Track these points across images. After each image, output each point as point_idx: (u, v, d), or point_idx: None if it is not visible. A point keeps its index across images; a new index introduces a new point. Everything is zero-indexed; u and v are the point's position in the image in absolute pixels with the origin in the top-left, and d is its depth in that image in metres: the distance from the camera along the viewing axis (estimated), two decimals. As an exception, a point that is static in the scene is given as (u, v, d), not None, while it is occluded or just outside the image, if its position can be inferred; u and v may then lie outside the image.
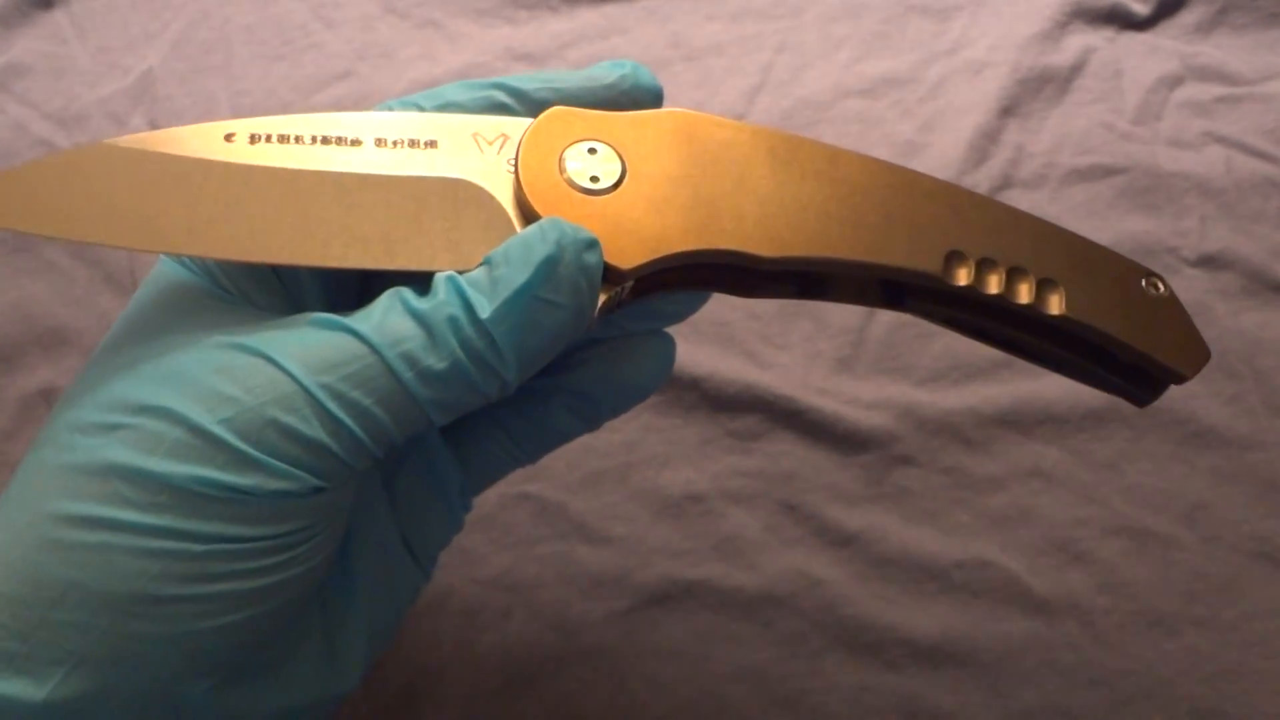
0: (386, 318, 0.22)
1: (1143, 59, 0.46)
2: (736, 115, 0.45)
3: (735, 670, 0.33)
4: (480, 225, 0.23)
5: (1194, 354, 0.25)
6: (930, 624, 0.33)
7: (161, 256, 0.25)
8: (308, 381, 0.21)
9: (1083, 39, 0.47)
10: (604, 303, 0.23)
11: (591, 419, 0.27)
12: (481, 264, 0.22)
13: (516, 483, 0.36)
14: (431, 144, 0.24)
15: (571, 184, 0.23)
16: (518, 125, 0.24)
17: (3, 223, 0.22)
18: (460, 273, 0.22)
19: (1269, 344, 0.39)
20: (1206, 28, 0.48)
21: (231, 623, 0.21)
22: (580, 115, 0.24)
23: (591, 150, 0.24)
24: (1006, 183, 0.43)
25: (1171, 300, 0.25)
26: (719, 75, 0.46)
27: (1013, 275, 0.24)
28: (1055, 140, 0.44)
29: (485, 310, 0.22)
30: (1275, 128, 0.44)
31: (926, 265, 0.24)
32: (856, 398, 0.37)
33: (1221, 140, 0.44)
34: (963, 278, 0.24)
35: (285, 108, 0.45)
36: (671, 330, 0.27)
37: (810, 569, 0.34)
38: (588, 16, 0.48)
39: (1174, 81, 0.46)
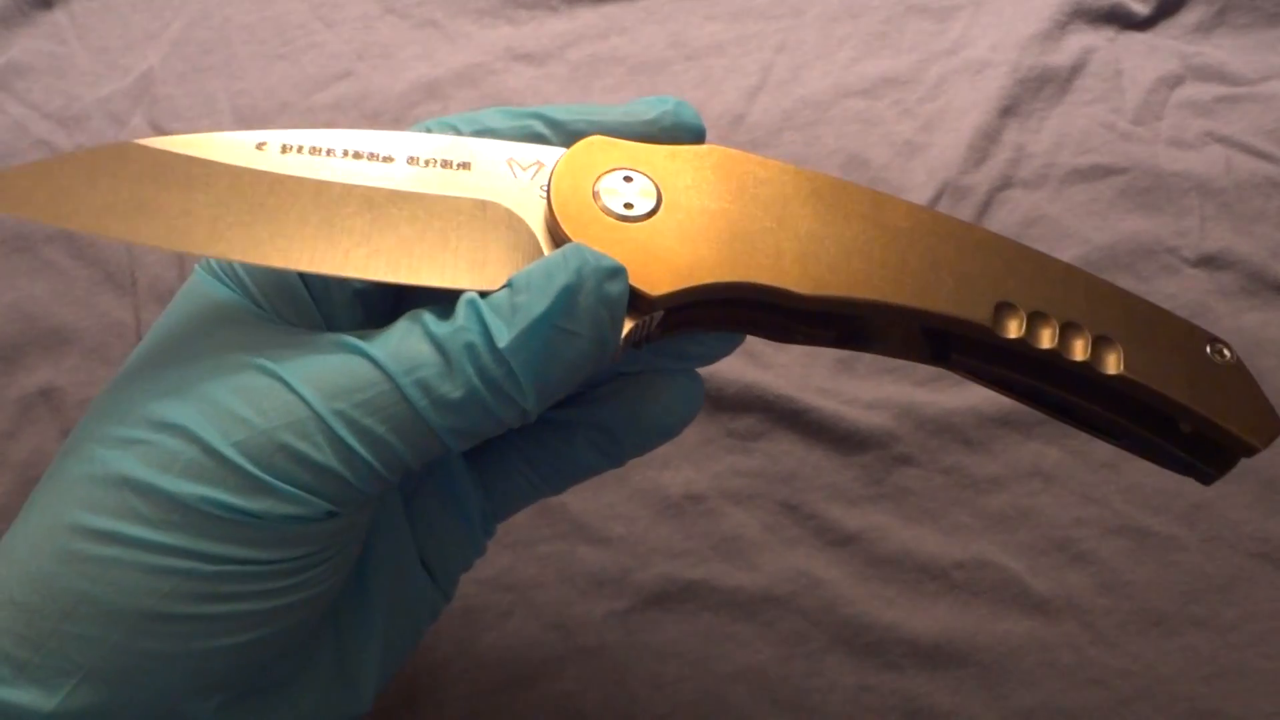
0: (404, 342, 0.21)
1: (1143, 59, 0.46)
2: (736, 115, 0.45)
3: (735, 670, 0.33)
4: (508, 247, 0.23)
5: (1265, 423, 0.23)
6: (930, 624, 0.33)
7: (198, 270, 0.25)
8: (321, 407, 0.21)
9: (1083, 39, 0.47)
10: (629, 332, 0.22)
11: (614, 455, 0.26)
12: (505, 286, 0.22)
13: (516, 483, 0.36)
14: (465, 165, 0.24)
15: (605, 210, 0.23)
16: (553, 154, 0.24)
17: (32, 214, 0.22)
18: (483, 294, 0.22)
19: (1269, 344, 0.39)
20: (1206, 28, 0.48)
21: (241, 643, 0.21)
22: (617, 145, 0.24)
23: (628, 179, 0.24)
24: (1006, 183, 0.43)
25: (1238, 367, 0.24)
26: (719, 75, 0.46)
27: (1067, 330, 0.23)
28: (1055, 140, 0.44)
29: (504, 338, 0.21)
30: (1275, 128, 0.44)
31: (975, 315, 0.23)
32: (856, 398, 0.37)
33: (1222, 140, 0.44)
34: (1014, 330, 0.23)
35: (285, 107, 0.45)
36: None
37: (810, 569, 0.34)
38: (588, 16, 0.48)
39: (1174, 81, 0.46)
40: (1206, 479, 0.24)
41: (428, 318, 0.22)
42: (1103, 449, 0.36)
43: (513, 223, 0.23)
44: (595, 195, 0.23)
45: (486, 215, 0.23)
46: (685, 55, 0.47)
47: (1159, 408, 0.23)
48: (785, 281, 0.23)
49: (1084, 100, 0.45)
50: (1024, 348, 0.23)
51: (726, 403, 0.37)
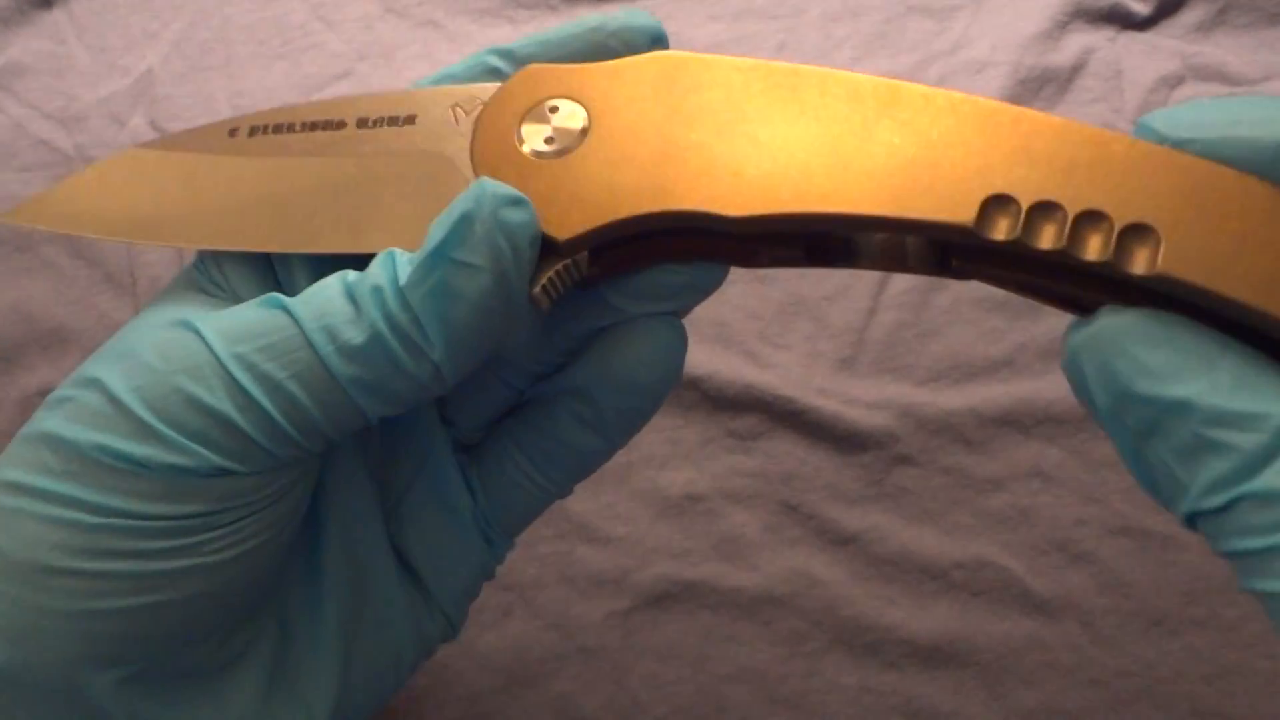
0: (320, 292, 0.21)
1: (1143, 59, 0.46)
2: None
3: (735, 670, 0.33)
4: (445, 199, 0.22)
5: None
6: (930, 624, 0.33)
7: (186, 267, 0.25)
8: (222, 351, 0.20)
9: (1083, 39, 0.47)
10: (553, 278, 0.21)
11: (598, 427, 0.24)
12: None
13: (516, 483, 0.36)
14: (410, 119, 0.23)
15: (525, 148, 0.22)
16: (492, 91, 0.23)
17: (58, 227, 0.25)
18: None
19: (1269, 344, 0.39)
20: (1207, 27, 0.48)
21: (128, 608, 0.20)
22: (552, 71, 0.22)
23: (554, 109, 0.22)
24: (1006, 183, 0.43)
25: None
26: (719, 75, 0.46)
27: (1081, 222, 0.18)
28: (1055, 140, 0.44)
29: (404, 275, 0.20)
30: (1275, 128, 0.44)
31: (953, 216, 0.19)
32: (856, 398, 0.37)
33: (1222, 140, 0.44)
34: (1004, 230, 0.19)
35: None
36: None
37: (810, 569, 0.34)
38: (587, 16, 0.48)
39: (1174, 81, 0.46)
40: None
41: (350, 272, 0.21)
42: (1103, 448, 0.36)
43: (451, 175, 0.23)
44: (519, 134, 0.22)
45: (426, 171, 0.23)
46: (685, 55, 0.47)
47: (1224, 312, 0.18)
48: (713, 205, 0.20)
49: (1084, 100, 0.45)
50: (1020, 249, 0.19)
51: (726, 403, 0.37)
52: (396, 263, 0.20)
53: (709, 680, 0.33)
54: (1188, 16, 0.48)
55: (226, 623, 0.22)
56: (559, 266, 0.21)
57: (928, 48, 0.47)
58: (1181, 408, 0.17)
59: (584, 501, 0.35)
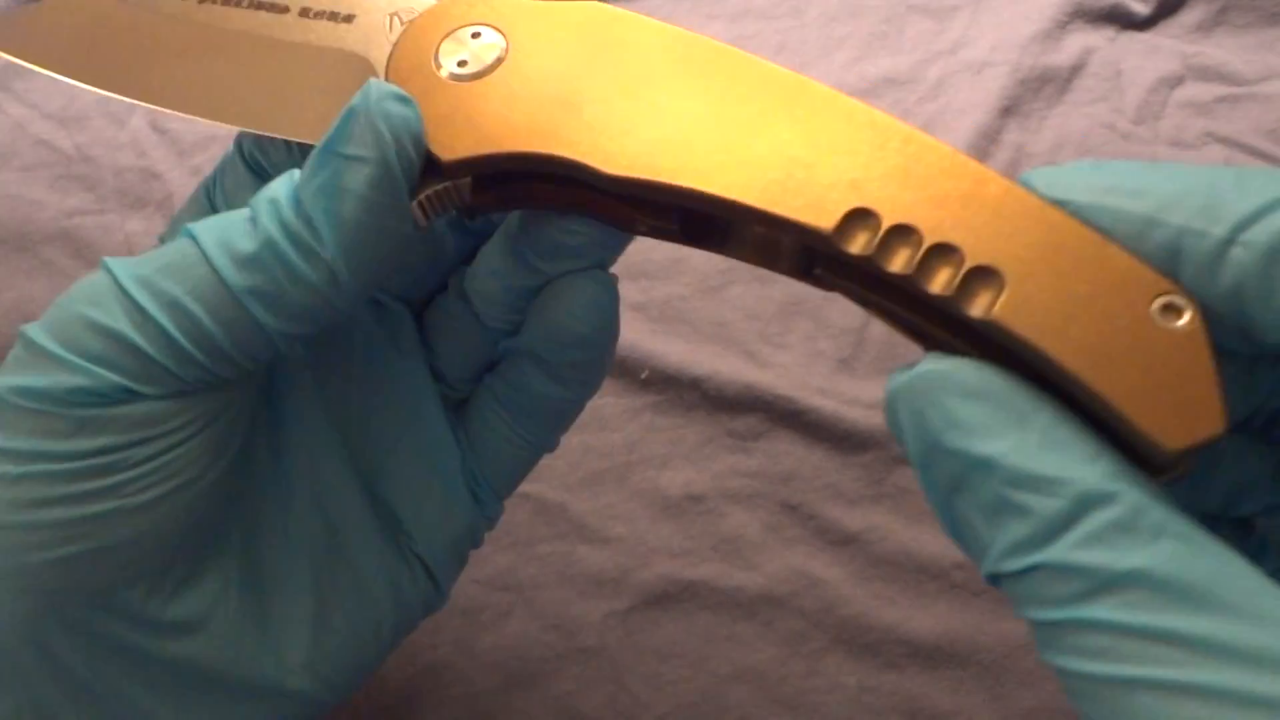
0: (225, 215, 0.21)
1: (1143, 59, 0.46)
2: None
3: (735, 670, 0.33)
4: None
5: (1194, 418, 0.17)
6: (930, 624, 0.33)
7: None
8: (121, 274, 0.20)
9: (1083, 39, 0.47)
10: (433, 194, 0.21)
11: (560, 379, 0.24)
12: None
13: (516, 483, 0.36)
14: (349, 18, 0.24)
15: (437, 67, 0.22)
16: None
17: (9, 50, 0.26)
18: None
19: (1269, 344, 0.39)
20: (1207, 27, 0.48)
21: (64, 557, 0.20)
22: (486, 0, 0.23)
23: (476, 35, 0.22)
24: (1006, 183, 0.43)
25: (1191, 336, 0.17)
26: (719, 75, 0.46)
27: (934, 253, 0.18)
28: (1055, 140, 0.44)
29: (297, 178, 0.20)
30: (1275, 128, 0.44)
31: (814, 220, 0.19)
32: (856, 398, 0.37)
33: (1222, 140, 0.44)
34: (859, 244, 0.19)
35: (285, 108, 0.45)
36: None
37: (810, 569, 0.34)
38: None
39: (1174, 81, 0.46)
40: None
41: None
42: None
43: (366, 76, 0.23)
44: (437, 52, 0.22)
45: (345, 69, 0.23)
46: (685, 55, 0.47)
47: (1045, 374, 0.18)
48: (592, 158, 0.20)
49: (1084, 100, 0.45)
50: (870, 267, 0.19)
51: (726, 403, 0.37)
52: (294, 176, 0.21)
53: (709, 680, 0.33)
54: (1188, 16, 0.48)
55: (175, 567, 0.22)
56: (440, 187, 0.21)
57: (928, 48, 0.47)
58: (986, 465, 0.17)
59: (584, 501, 0.35)
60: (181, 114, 0.24)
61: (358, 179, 0.20)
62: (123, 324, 0.20)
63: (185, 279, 0.20)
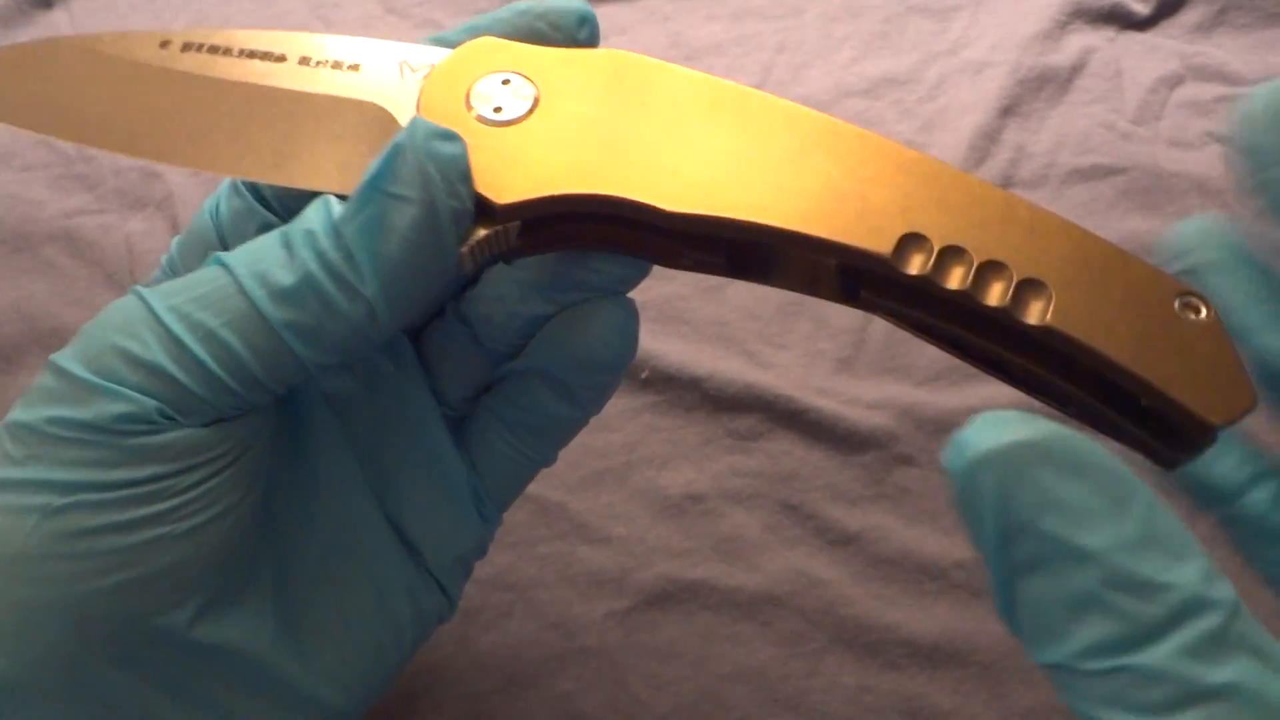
0: (257, 243, 0.21)
1: (1143, 59, 0.46)
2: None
3: (735, 670, 0.33)
4: (377, 149, 0.22)
5: (1232, 397, 0.19)
6: (930, 624, 0.33)
7: (154, 274, 0.26)
8: (156, 305, 0.20)
9: (1083, 39, 0.47)
10: (483, 240, 0.21)
11: (570, 400, 0.25)
12: None
13: (516, 483, 0.36)
14: (354, 67, 0.23)
15: (473, 113, 0.22)
16: (440, 54, 0.23)
17: None
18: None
19: (1269, 344, 0.39)
20: (1207, 27, 0.48)
21: (113, 585, 0.20)
22: (506, 47, 0.23)
23: (505, 81, 0.22)
24: (1006, 182, 0.43)
25: (1212, 327, 0.20)
26: (719, 75, 0.46)
27: (985, 270, 0.20)
28: (1055, 140, 0.44)
29: (337, 211, 0.20)
30: (1275, 128, 0.44)
31: (873, 245, 0.20)
32: (856, 398, 0.37)
33: (1222, 140, 0.44)
34: (917, 265, 0.20)
35: (285, 108, 0.45)
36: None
37: (810, 569, 0.34)
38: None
39: (1174, 81, 0.46)
40: (1167, 463, 0.20)
41: (289, 225, 0.21)
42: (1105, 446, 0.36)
43: (385, 124, 0.23)
44: (467, 97, 0.22)
45: (361, 117, 0.23)
46: (685, 55, 0.47)
47: (1098, 369, 0.19)
48: (651, 197, 0.21)
49: (1084, 100, 0.45)
50: (929, 286, 0.20)
51: (726, 403, 0.37)
52: (330, 207, 0.20)
53: (709, 680, 0.33)
54: (1188, 16, 0.48)
55: (214, 592, 0.22)
56: (491, 231, 0.21)
57: (928, 48, 0.47)
58: (1083, 556, 0.16)
59: (584, 501, 0.35)
60: (181, 167, 0.24)
61: (403, 219, 0.20)
62: (159, 356, 0.20)
63: (221, 311, 0.20)
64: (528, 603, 0.34)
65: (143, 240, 0.41)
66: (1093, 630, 0.16)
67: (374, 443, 0.25)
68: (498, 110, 0.22)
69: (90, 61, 0.24)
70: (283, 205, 0.24)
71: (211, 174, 0.24)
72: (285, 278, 0.20)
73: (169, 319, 0.20)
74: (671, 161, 0.21)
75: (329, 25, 0.48)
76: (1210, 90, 0.46)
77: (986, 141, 0.44)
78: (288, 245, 0.20)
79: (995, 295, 0.20)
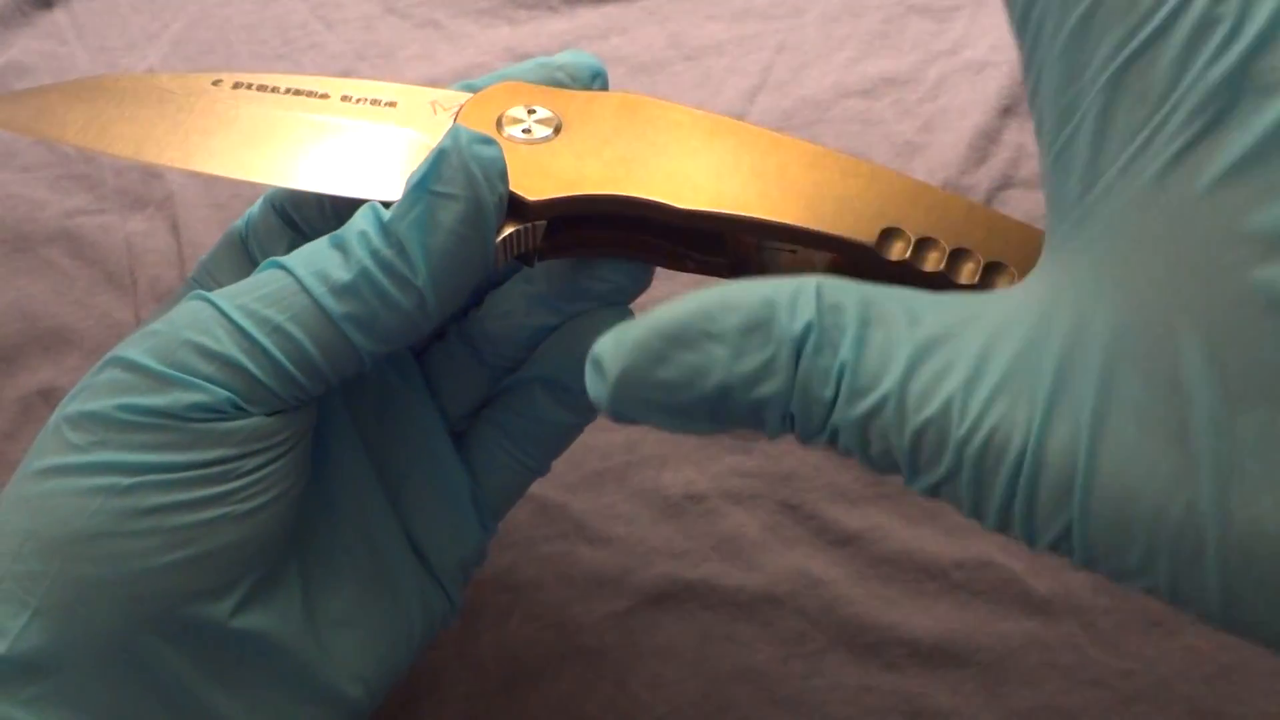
0: (311, 247, 0.23)
1: (1143, 59, 0.46)
2: (737, 115, 0.45)
3: (735, 670, 0.33)
4: (412, 166, 0.25)
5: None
6: (930, 624, 0.33)
7: (188, 279, 0.28)
8: (224, 304, 0.22)
9: (1083, 39, 0.47)
10: (511, 236, 0.24)
11: (571, 405, 0.27)
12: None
13: (516, 483, 0.36)
14: (391, 104, 0.27)
15: (501, 132, 0.25)
16: (467, 96, 0.26)
17: (20, 130, 0.27)
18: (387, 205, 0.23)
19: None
20: (1206, 28, 0.48)
21: (169, 563, 0.21)
22: (531, 88, 0.26)
23: (531, 111, 0.25)
24: (1006, 183, 0.43)
25: None
26: (719, 75, 0.46)
27: (956, 255, 0.23)
28: (1055, 140, 0.44)
29: (387, 213, 0.22)
30: (1275, 128, 0.44)
31: (859, 235, 0.23)
32: (856, 398, 0.37)
33: (1221, 140, 0.44)
34: (898, 252, 0.23)
35: (285, 108, 0.45)
36: None
37: (810, 569, 0.34)
38: (588, 16, 0.48)
39: (1174, 81, 0.46)
40: None
41: (340, 229, 0.23)
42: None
43: (420, 148, 0.26)
44: (499, 123, 0.25)
45: (398, 140, 0.26)
46: (685, 55, 0.47)
47: None
48: (665, 196, 0.24)
49: (1084, 100, 0.45)
50: (909, 270, 0.23)
51: (726, 403, 0.37)
52: (378, 210, 0.23)
53: (709, 680, 0.33)
54: (1188, 16, 0.48)
55: (254, 576, 0.23)
56: (520, 228, 0.24)
57: (927, 48, 0.47)
58: (722, 394, 0.18)
59: (584, 501, 0.35)
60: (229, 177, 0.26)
61: (450, 214, 0.22)
62: (231, 349, 0.22)
63: (286, 307, 0.22)
64: (528, 603, 0.34)
65: (143, 240, 0.41)
66: (770, 415, 0.18)
67: (383, 452, 0.27)
68: (526, 132, 0.25)
69: (146, 91, 0.27)
70: (311, 228, 0.27)
71: (267, 183, 0.26)
72: (343, 274, 0.22)
73: (238, 316, 0.22)
74: (680, 170, 0.24)
75: (329, 26, 0.48)
76: (1210, 90, 0.46)
77: (986, 141, 0.44)
78: (341, 246, 0.22)
79: (966, 274, 0.23)
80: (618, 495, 0.36)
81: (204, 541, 0.22)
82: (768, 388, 0.18)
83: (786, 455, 0.36)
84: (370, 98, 0.27)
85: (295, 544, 0.24)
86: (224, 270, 0.27)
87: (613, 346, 0.19)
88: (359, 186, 0.25)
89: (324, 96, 0.27)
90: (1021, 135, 0.44)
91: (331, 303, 0.22)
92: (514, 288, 0.27)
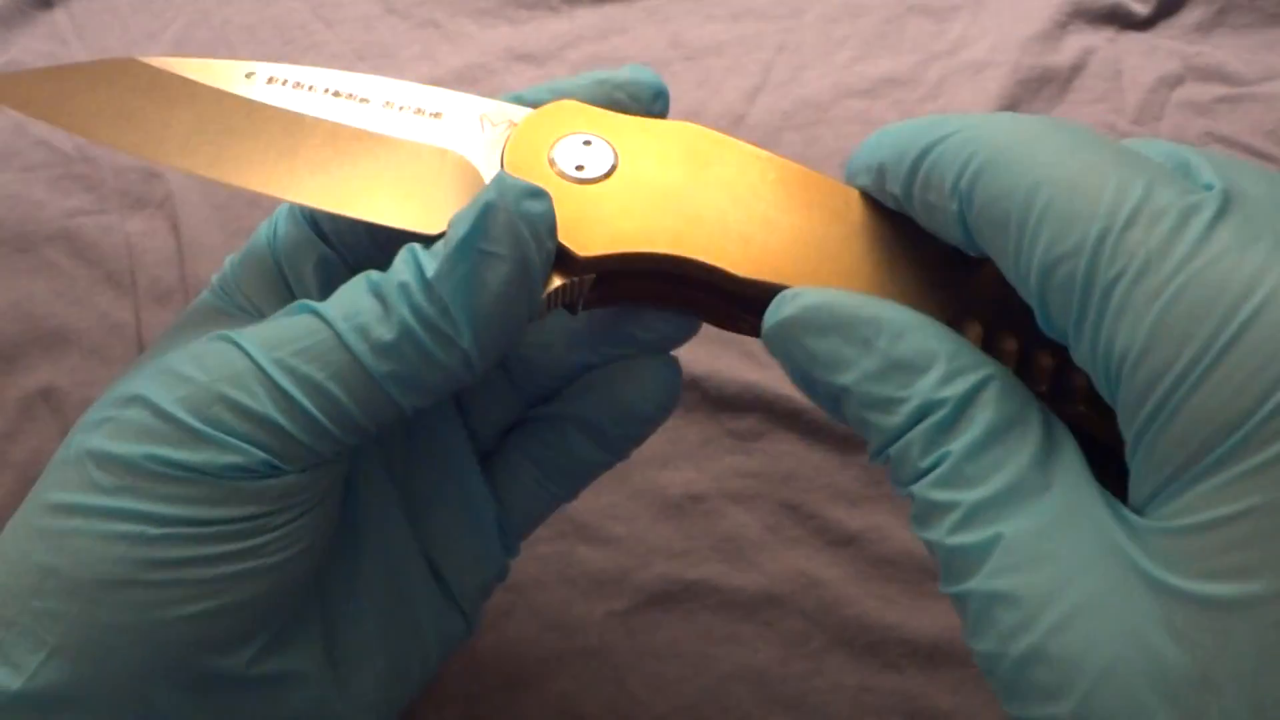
0: (347, 293, 0.22)
1: (1143, 59, 0.46)
2: (737, 115, 0.45)
3: (735, 670, 0.33)
4: (458, 195, 0.23)
5: None
6: (930, 624, 0.33)
7: (204, 294, 0.26)
8: (260, 357, 0.21)
9: (1083, 39, 0.47)
10: (559, 290, 0.22)
11: (607, 447, 0.26)
12: (446, 231, 0.22)
13: (516, 483, 0.36)
14: (436, 115, 0.25)
15: (555, 169, 0.23)
16: (525, 114, 0.25)
17: (33, 113, 0.24)
18: (426, 242, 0.22)
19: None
20: (1206, 28, 0.48)
21: (193, 614, 0.21)
22: (585, 110, 0.24)
23: (587, 143, 0.24)
24: (1006, 183, 0.43)
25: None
26: (719, 75, 0.46)
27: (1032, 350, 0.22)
28: (1055, 140, 0.44)
29: (430, 268, 0.21)
30: (1275, 128, 0.44)
31: (939, 317, 0.22)
32: (856, 398, 0.37)
33: (1221, 140, 0.44)
34: (973, 337, 0.22)
35: (285, 108, 0.45)
36: None
37: (810, 569, 0.34)
38: (588, 16, 0.48)
39: (1174, 81, 0.46)
40: None
41: (373, 272, 0.22)
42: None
43: (466, 173, 0.24)
44: (550, 155, 0.23)
45: (443, 163, 0.24)
46: (685, 55, 0.47)
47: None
48: (723, 260, 0.22)
49: (1084, 100, 0.45)
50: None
51: (726, 402, 0.37)
52: (419, 259, 0.21)
53: (709, 680, 0.33)
54: (1188, 16, 0.48)
55: (276, 625, 0.23)
56: (567, 282, 0.22)
57: (928, 48, 0.47)
58: (845, 391, 0.20)
59: (584, 501, 0.35)
60: (250, 190, 0.24)
61: (496, 275, 0.21)
62: (269, 408, 0.21)
63: (325, 364, 0.21)
64: (528, 603, 0.34)
65: (143, 240, 0.41)
66: (871, 442, 0.20)
67: (408, 474, 0.26)
68: (579, 168, 0.23)
69: (173, 84, 0.25)
70: (340, 240, 0.26)
71: (295, 202, 0.24)
72: (385, 332, 0.21)
73: (276, 373, 0.21)
74: (740, 229, 0.23)
75: (330, 25, 0.48)
76: (1210, 90, 0.46)
77: (986, 141, 0.44)
78: (381, 297, 0.21)
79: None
80: (618, 495, 0.35)
81: (228, 594, 0.21)
82: (882, 421, 0.20)
83: (787, 455, 0.36)
84: (415, 106, 0.25)
85: (318, 582, 0.24)
86: (254, 286, 0.26)
87: (793, 295, 0.21)
88: (400, 216, 0.23)
89: (365, 101, 0.25)
90: (1021, 135, 0.44)
91: (373, 362, 0.21)
92: (555, 321, 0.26)
